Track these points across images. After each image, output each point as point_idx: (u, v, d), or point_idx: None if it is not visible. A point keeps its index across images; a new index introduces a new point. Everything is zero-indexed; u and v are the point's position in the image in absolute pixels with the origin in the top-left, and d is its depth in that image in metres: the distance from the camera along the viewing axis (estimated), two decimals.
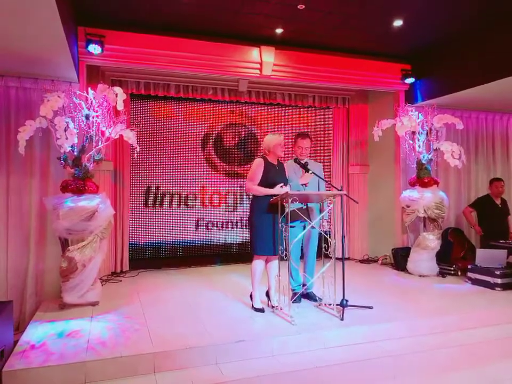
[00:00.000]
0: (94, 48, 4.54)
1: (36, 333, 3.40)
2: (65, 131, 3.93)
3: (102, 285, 4.60)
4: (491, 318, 3.95)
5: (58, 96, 3.93)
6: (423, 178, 5.55)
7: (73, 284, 3.94)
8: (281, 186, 3.80)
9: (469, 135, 6.62)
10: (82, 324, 3.61)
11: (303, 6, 4.40)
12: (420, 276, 5.46)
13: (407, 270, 5.65)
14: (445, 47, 5.58)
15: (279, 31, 5.11)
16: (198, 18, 4.76)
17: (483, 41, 5.14)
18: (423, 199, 5.44)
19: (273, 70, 5.43)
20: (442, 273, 5.50)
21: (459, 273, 5.48)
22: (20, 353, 3.00)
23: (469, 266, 5.15)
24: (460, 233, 6.14)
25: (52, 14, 3.05)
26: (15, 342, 3.25)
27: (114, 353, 2.98)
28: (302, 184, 4.13)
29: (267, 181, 3.84)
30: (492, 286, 4.77)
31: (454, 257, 5.80)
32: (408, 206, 5.61)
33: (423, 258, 5.49)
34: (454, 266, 5.55)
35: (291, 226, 3.87)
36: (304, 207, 4.09)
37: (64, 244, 4.07)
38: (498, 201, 5.87)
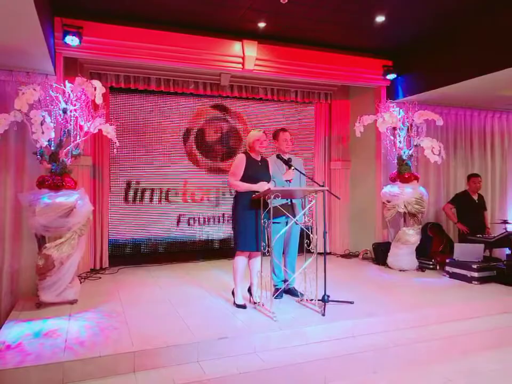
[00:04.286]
0: (71, 40, 4.41)
1: (11, 332, 3.30)
2: (41, 125, 3.80)
3: (81, 283, 4.52)
4: (469, 311, 4.04)
5: (34, 89, 3.81)
6: (403, 173, 5.62)
7: (50, 282, 3.85)
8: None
9: (448, 131, 6.74)
10: (60, 323, 3.52)
11: (286, 0, 4.36)
12: (400, 270, 5.54)
13: (388, 265, 5.73)
14: (426, 44, 5.63)
15: (261, 25, 5.07)
16: (179, 10, 4.68)
17: (464, 38, 5.20)
18: (404, 194, 5.51)
19: (255, 65, 5.39)
20: (421, 268, 5.59)
21: (438, 267, 5.58)
22: None
23: (447, 260, 5.25)
24: (439, 228, 6.25)
25: (27, 3, 2.94)
26: None
27: (93, 352, 2.91)
28: (286, 180, 4.12)
29: (249, 177, 3.81)
30: (469, 280, 4.87)
31: (432, 252, 5.91)
32: (388, 201, 5.68)
33: (403, 253, 5.57)
34: (432, 260, 5.66)
35: (276, 223, 3.86)
36: (289, 203, 4.08)
37: (41, 241, 3.97)
38: (475, 197, 5.98)
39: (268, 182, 3.91)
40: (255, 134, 3.91)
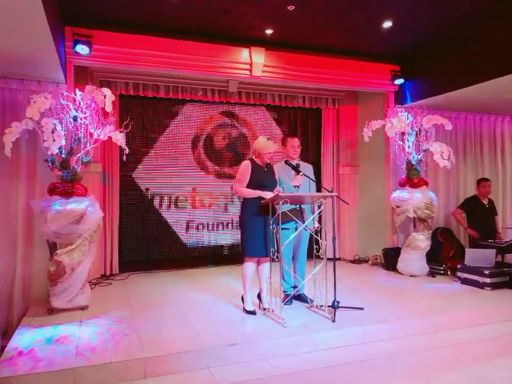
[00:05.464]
0: (82, 49, 4.47)
1: (23, 338, 3.33)
2: (52, 133, 3.86)
3: (91, 289, 4.55)
4: (481, 318, 3.99)
5: (45, 98, 3.86)
6: (412, 178, 5.58)
7: (61, 288, 3.88)
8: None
9: (457, 136, 6.69)
10: (71, 329, 3.55)
11: (293, 7, 4.39)
12: (410, 275, 5.49)
13: (398, 270, 5.68)
14: (433, 48, 5.61)
15: (269, 32, 5.10)
16: (187, 18, 4.73)
17: (471, 42, 5.19)
18: (413, 199, 5.47)
19: (263, 71, 5.41)
20: (432, 273, 5.54)
21: (448, 272, 5.53)
22: (7, 360, 2.94)
23: (458, 266, 5.20)
24: (449, 233, 6.20)
25: (38, 14, 2.99)
26: (3, 348, 3.20)
27: (104, 359, 2.93)
28: (295, 186, 4.12)
29: (255, 183, 3.82)
30: (481, 286, 4.82)
31: (443, 257, 5.85)
32: (398, 207, 5.64)
33: (413, 258, 5.52)
34: (443, 266, 5.60)
35: (285, 228, 3.85)
36: (298, 208, 4.08)
37: (52, 247, 4.00)
38: (485, 201, 5.92)
39: (274, 187, 3.92)
40: (268, 147, 3.85)
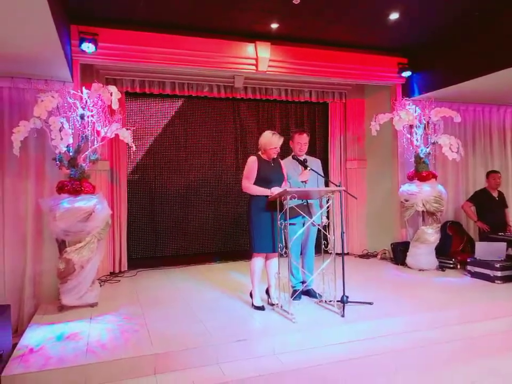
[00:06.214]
0: (88, 47, 4.48)
1: (34, 336, 3.37)
2: (60, 131, 3.88)
3: (101, 286, 4.59)
4: (492, 311, 3.95)
5: (52, 96, 3.88)
6: (421, 172, 5.53)
7: (71, 285, 3.91)
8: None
9: (466, 128, 6.60)
10: (81, 326, 3.58)
11: (299, 1, 4.35)
12: (420, 270, 5.45)
13: (407, 265, 5.65)
14: (441, 40, 5.53)
15: (274, 26, 5.06)
16: (192, 14, 4.70)
17: (479, 34, 5.10)
18: (422, 193, 5.42)
19: (269, 66, 5.38)
20: (441, 267, 5.50)
21: (458, 266, 5.48)
22: (18, 357, 2.97)
23: (468, 260, 5.15)
24: (458, 226, 6.14)
25: (44, 12, 3.00)
26: (14, 346, 3.23)
27: (114, 355, 2.95)
28: (302, 181, 4.10)
29: (262, 178, 3.81)
30: (491, 279, 4.77)
31: (453, 251, 5.81)
32: (406, 200, 5.60)
33: (422, 252, 5.48)
34: (453, 259, 5.56)
35: (293, 224, 3.84)
36: (305, 203, 4.06)
37: (61, 245, 4.03)
38: (495, 194, 5.85)
39: (281, 182, 3.90)
40: (274, 142, 3.83)
